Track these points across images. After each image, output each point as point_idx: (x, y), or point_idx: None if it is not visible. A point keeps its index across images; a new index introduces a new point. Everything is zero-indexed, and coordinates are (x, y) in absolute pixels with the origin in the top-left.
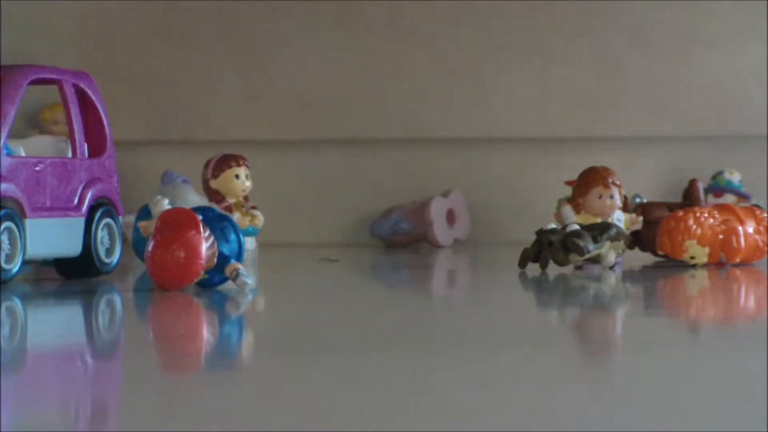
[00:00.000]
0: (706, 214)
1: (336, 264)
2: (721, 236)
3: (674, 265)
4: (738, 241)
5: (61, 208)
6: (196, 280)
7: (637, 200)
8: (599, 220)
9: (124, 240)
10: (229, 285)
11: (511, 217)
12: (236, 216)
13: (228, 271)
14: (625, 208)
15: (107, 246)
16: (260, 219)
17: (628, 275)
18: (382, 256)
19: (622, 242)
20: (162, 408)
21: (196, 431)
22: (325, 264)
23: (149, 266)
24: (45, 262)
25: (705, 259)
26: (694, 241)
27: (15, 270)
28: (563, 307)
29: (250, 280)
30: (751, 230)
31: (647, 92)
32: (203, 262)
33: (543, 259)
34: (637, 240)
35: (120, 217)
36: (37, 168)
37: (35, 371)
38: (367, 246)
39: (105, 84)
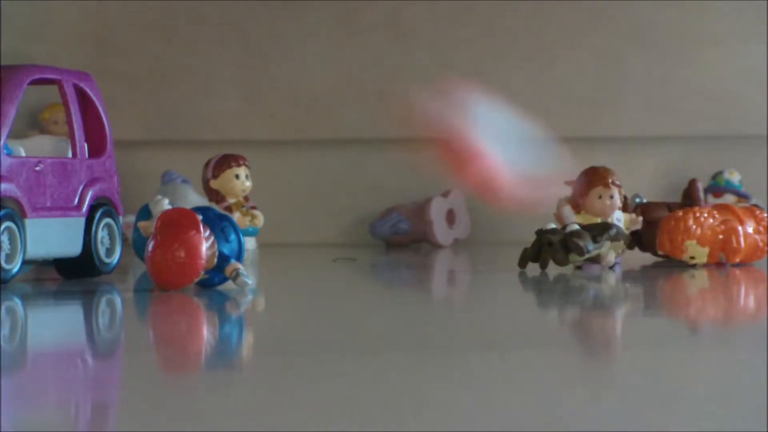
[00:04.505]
0: (705, 214)
1: (336, 264)
2: (720, 236)
3: (674, 265)
4: (738, 241)
5: (61, 208)
6: (196, 280)
7: (637, 200)
8: (599, 220)
9: (124, 240)
10: (229, 285)
11: (511, 217)
12: (236, 216)
13: (228, 271)
14: (625, 208)
15: (107, 246)
16: (260, 219)
17: (628, 275)
18: (382, 256)
19: (622, 242)
20: (162, 408)
21: (196, 431)
22: (341, 263)
23: (149, 266)
24: (45, 262)
25: (705, 259)
26: (694, 241)
27: (15, 270)
28: (563, 307)
29: (250, 280)
30: (750, 230)
31: (647, 92)
32: (203, 262)
33: (543, 259)
34: (637, 240)
35: (120, 217)
36: (37, 168)
37: (35, 371)
38: (367, 246)
39: (105, 84)
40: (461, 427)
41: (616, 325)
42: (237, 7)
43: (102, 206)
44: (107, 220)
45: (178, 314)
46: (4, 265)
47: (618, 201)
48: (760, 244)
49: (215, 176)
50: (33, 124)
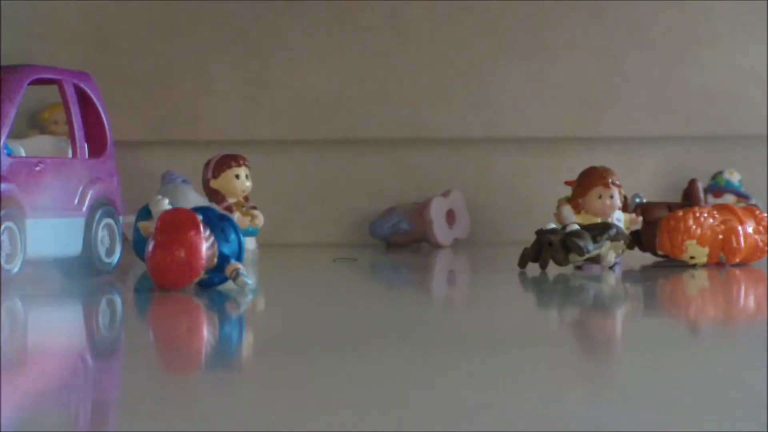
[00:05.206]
0: (705, 214)
1: (336, 264)
2: (720, 236)
3: (674, 265)
4: (738, 241)
5: (62, 208)
6: (196, 280)
7: (637, 200)
8: (599, 220)
9: (124, 240)
10: (229, 285)
11: (511, 217)
12: (236, 216)
13: (228, 271)
14: (625, 208)
15: (107, 246)
16: (260, 219)
17: (628, 275)
18: (382, 256)
19: (622, 242)
20: (162, 408)
21: (196, 431)
22: (341, 263)
23: (149, 266)
24: (45, 262)
25: (705, 259)
26: (694, 241)
27: (15, 270)
28: (563, 307)
29: (250, 280)
30: (750, 230)
31: (647, 92)
32: (203, 262)
33: (543, 259)
34: (637, 240)
35: (120, 217)
36: (37, 168)
37: (35, 371)
38: (367, 246)
39: (105, 84)
40: (461, 427)
41: (616, 325)
42: (237, 7)
43: (102, 206)
44: (107, 220)
45: (178, 314)
46: (4, 265)
47: (618, 201)
48: (760, 244)
49: (215, 176)
50: (33, 124)
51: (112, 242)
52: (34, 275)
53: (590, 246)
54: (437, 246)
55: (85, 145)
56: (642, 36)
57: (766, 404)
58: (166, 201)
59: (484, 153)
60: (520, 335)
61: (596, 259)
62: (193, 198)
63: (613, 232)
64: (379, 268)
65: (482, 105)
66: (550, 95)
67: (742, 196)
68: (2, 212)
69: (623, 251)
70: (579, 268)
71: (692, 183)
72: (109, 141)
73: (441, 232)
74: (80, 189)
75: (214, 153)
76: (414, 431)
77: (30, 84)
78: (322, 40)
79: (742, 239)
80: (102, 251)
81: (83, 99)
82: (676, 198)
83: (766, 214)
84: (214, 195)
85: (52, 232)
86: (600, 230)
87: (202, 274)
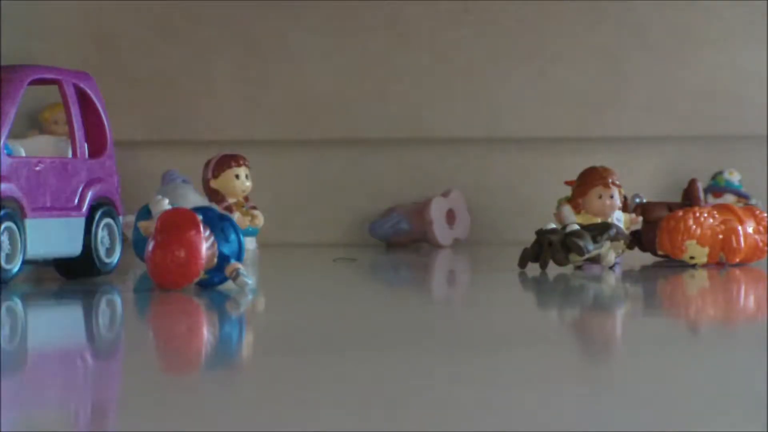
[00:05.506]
0: (705, 214)
1: (336, 264)
2: (720, 236)
3: (674, 265)
4: (738, 241)
5: (62, 208)
6: (196, 280)
7: (637, 200)
8: (599, 220)
9: (124, 240)
10: (229, 285)
11: (511, 217)
12: (236, 216)
13: (228, 271)
14: (625, 208)
15: (107, 246)
16: (260, 219)
17: (628, 275)
18: (382, 256)
19: (621, 242)
20: (162, 408)
21: (196, 431)
22: (341, 263)
23: (149, 266)
24: (45, 262)
25: (705, 259)
26: (694, 241)
27: (15, 270)
28: (563, 307)
29: (250, 280)
30: (750, 230)
31: (647, 92)
32: (203, 262)
33: (543, 259)
34: (637, 240)
35: (120, 217)
36: (37, 168)
37: (35, 371)
38: (367, 246)
39: (105, 84)
40: (461, 427)
41: (616, 325)
42: (237, 7)
43: (102, 206)
44: (107, 220)
45: (178, 314)
46: (4, 265)
47: (618, 201)
48: (760, 244)
49: (215, 176)
50: (33, 124)
51: (112, 242)
52: (34, 275)
53: (590, 246)
54: (437, 246)
55: (85, 145)
56: (642, 36)
57: (766, 404)
58: (166, 201)
59: (484, 153)
60: (520, 335)
61: (596, 259)
62: (193, 198)
63: (613, 232)
64: (379, 268)
65: (482, 105)
66: (550, 95)
67: (742, 196)
68: (2, 212)
69: (623, 251)
70: (579, 268)
71: (692, 183)
72: (109, 141)
73: (441, 232)
74: (80, 189)
75: (214, 153)
76: (414, 431)
77: (30, 84)
78: (322, 40)
79: (742, 239)
80: (102, 251)
81: (83, 99)
82: (676, 198)
83: (766, 214)
84: (214, 195)
85: (52, 232)
86: (600, 230)
87: (202, 274)
